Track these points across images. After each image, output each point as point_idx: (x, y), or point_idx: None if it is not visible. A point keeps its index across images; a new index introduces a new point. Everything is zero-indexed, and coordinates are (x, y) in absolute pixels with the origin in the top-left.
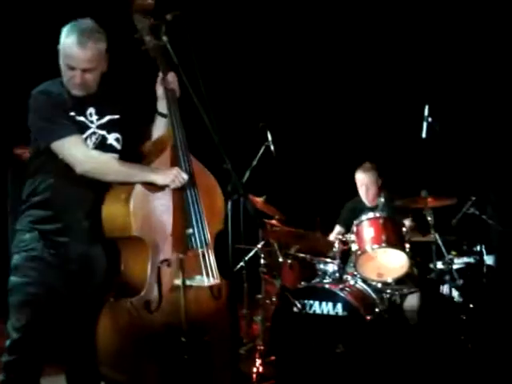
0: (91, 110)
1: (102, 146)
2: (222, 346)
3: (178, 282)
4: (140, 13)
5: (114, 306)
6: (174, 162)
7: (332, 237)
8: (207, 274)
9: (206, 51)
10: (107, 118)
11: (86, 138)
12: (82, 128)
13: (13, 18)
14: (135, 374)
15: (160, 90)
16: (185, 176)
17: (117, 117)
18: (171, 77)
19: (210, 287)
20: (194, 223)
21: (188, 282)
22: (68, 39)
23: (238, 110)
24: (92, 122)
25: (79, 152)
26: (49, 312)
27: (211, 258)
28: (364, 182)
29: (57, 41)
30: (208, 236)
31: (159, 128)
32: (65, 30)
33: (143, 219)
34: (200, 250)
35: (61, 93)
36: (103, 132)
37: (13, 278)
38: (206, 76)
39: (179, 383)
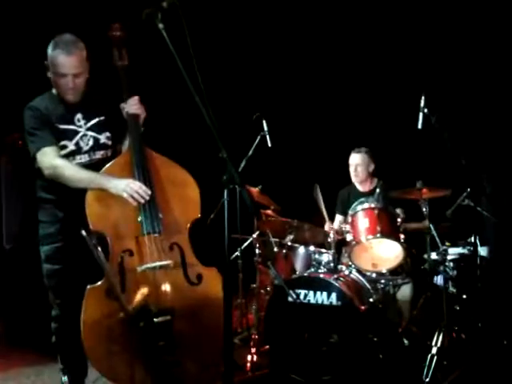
0: (78, 115)
1: (97, 145)
2: (201, 332)
3: (139, 268)
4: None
5: (87, 292)
6: (128, 169)
7: (336, 225)
8: (159, 258)
9: (202, 41)
10: (95, 120)
11: (77, 142)
12: (69, 134)
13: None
14: (103, 355)
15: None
16: (136, 186)
17: (103, 118)
18: (132, 101)
19: (185, 272)
20: (144, 211)
21: (144, 267)
22: (55, 51)
23: (234, 99)
24: (80, 126)
25: (47, 161)
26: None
27: (164, 242)
28: (353, 161)
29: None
30: (160, 223)
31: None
32: (50, 45)
33: (98, 215)
34: (153, 236)
35: (47, 106)
36: (94, 134)
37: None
38: (202, 66)
39: (150, 367)
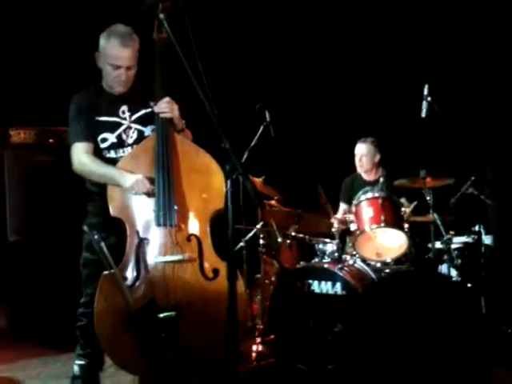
0: (124, 107)
1: (142, 138)
2: (212, 329)
3: (156, 259)
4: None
5: (101, 278)
6: (150, 156)
7: (339, 214)
8: (174, 251)
9: (204, 31)
10: (141, 112)
11: (119, 134)
12: (111, 127)
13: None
14: (112, 342)
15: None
16: (147, 185)
17: (149, 110)
18: (162, 104)
19: (201, 266)
20: (160, 203)
21: (157, 260)
22: (110, 42)
23: (236, 89)
24: (125, 118)
25: (75, 156)
26: None
27: (180, 234)
28: (359, 151)
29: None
30: (173, 215)
31: None
32: (104, 35)
33: (118, 201)
34: (167, 228)
35: (89, 99)
36: (139, 126)
37: (85, 255)
38: (204, 56)
39: (156, 357)
